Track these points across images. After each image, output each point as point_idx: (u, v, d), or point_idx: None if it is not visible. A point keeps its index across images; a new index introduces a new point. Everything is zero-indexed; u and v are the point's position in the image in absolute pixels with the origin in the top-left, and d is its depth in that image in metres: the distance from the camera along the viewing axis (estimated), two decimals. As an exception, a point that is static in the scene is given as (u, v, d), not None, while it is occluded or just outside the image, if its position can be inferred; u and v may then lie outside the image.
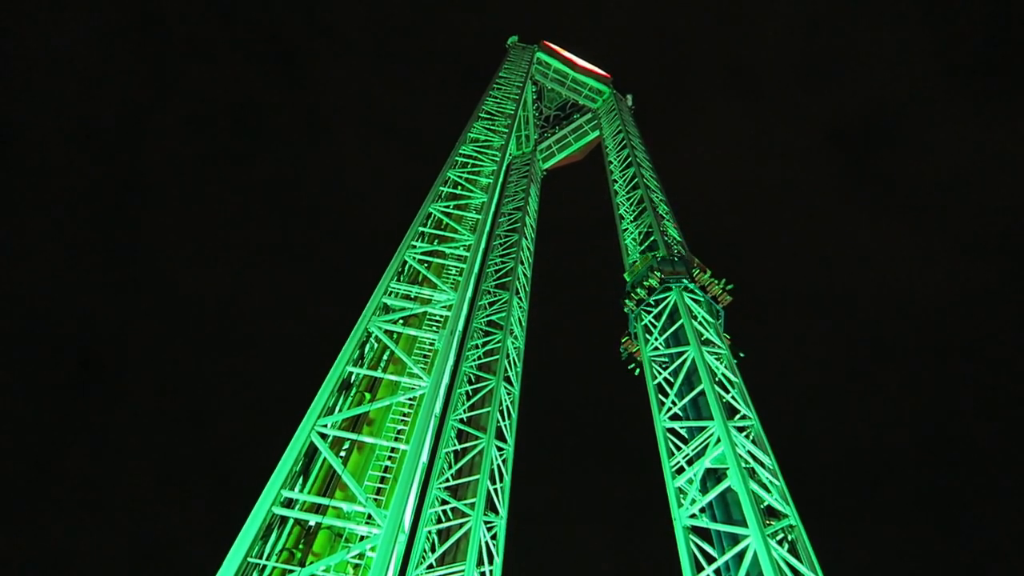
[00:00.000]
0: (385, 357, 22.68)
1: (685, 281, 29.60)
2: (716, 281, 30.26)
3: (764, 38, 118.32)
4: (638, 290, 30.41)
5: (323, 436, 17.18)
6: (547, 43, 61.27)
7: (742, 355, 27.71)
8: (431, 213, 28.15)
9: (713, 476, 22.25)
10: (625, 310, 30.93)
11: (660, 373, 27.47)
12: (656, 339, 28.22)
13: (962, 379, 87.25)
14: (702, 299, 29.32)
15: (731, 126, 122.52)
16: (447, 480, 29.37)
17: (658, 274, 30.01)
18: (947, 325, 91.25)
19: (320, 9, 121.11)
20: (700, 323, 27.41)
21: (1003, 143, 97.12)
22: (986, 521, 76.22)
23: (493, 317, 38.80)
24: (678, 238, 35.37)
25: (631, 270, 32.80)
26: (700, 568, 20.44)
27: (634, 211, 39.08)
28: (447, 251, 26.71)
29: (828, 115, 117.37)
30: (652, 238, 34.61)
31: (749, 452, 22.09)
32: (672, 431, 24.95)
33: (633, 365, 29.90)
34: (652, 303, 29.48)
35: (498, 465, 30.46)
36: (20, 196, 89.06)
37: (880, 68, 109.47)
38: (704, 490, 21.90)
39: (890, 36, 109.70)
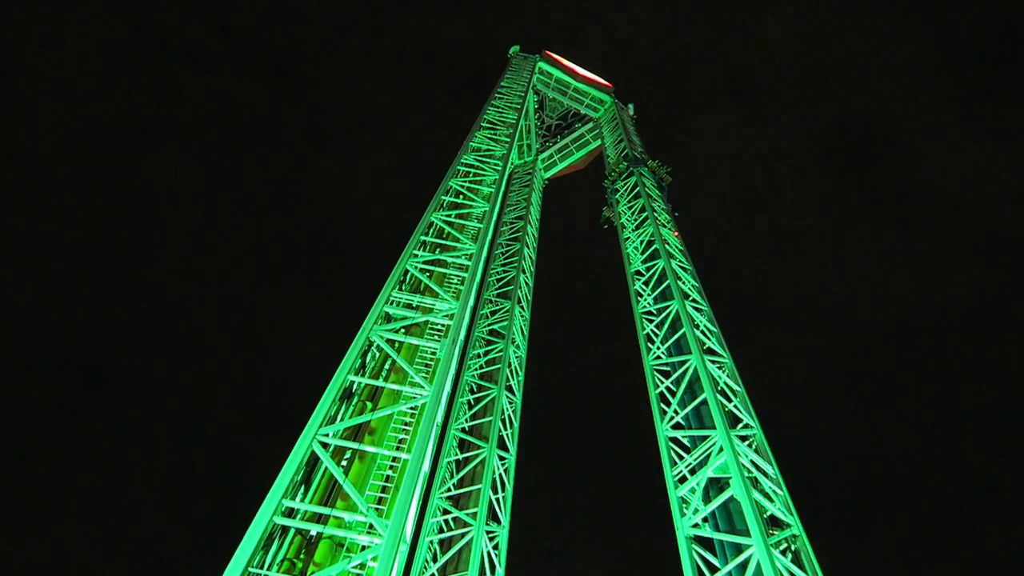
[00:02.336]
0: (387, 366, 22.64)
1: (643, 167, 44.06)
2: (663, 167, 44.80)
3: (762, 49, 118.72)
4: (611, 174, 45.61)
5: (324, 445, 17.14)
6: (549, 53, 61.48)
7: (676, 214, 39.78)
8: (433, 222, 28.16)
9: (716, 486, 22.14)
10: (607, 195, 44.64)
11: (662, 382, 27.46)
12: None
13: (962, 386, 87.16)
14: (652, 181, 42.87)
15: (729, 136, 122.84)
16: (449, 490, 29.26)
17: (625, 163, 45.28)
18: (945, 332, 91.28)
19: (318, 21, 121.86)
20: (654, 202, 39.44)
21: (998, 153, 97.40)
22: (991, 531, 75.93)
23: (495, 326, 38.76)
24: (680, 247, 35.41)
25: (608, 167, 48.04)
26: (703, 578, 20.33)
27: (635, 219, 39.14)
28: (449, 260, 26.71)
29: (825, 126, 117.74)
30: (654, 247, 34.69)
31: (752, 461, 21.99)
32: (674, 440, 24.86)
33: (606, 226, 43.60)
34: (624, 184, 43.59)
35: (500, 475, 30.37)
36: (20, 208, 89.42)
37: (877, 79, 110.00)
38: (707, 500, 21.78)
39: (887, 48, 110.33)
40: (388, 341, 21.35)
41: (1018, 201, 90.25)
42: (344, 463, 18.56)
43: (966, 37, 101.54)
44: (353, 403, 20.72)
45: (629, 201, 41.21)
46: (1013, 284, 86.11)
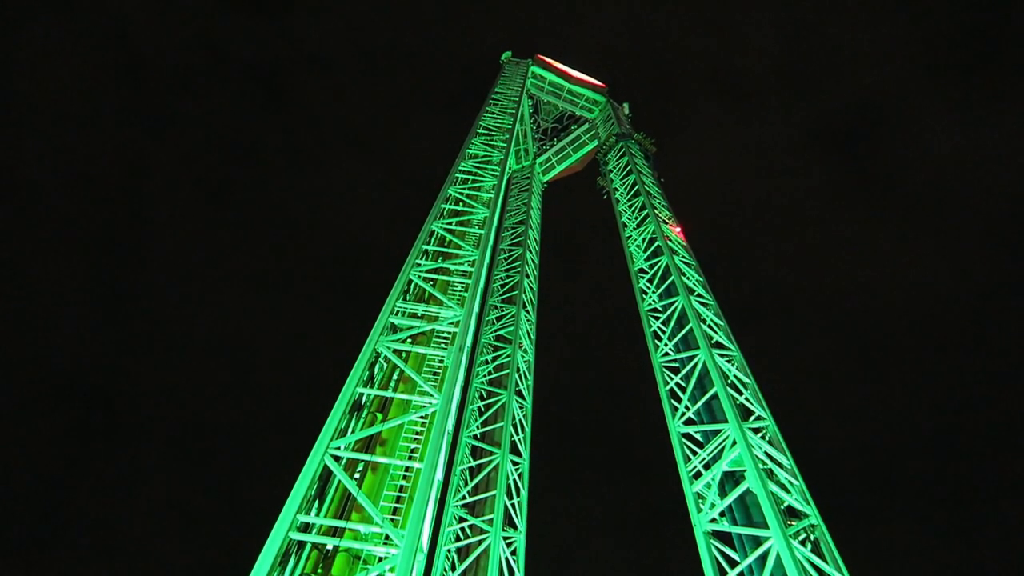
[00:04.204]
0: (395, 377, 22.62)
1: (630, 140, 49.06)
2: (646, 138, 50.20)
3: (750, 43, 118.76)
4: (603, 147, 51.35)
5: (337, 459, 17.11)
6: (541, 57, 61.53)
7: (662, 180, 44.24)
8: (434, 231, 28.15)
9: (731, 479, 22.05)
10: (600, 167, 49.92)
11: (672, 378, 27.39)
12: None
13: (969, 371, 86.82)
14: (639, 152, 47.91)
15: (723, 131, 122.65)
16: (464, 497, 29.21)
17: (614, 137, 50.72)
18: (949, 317, 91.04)
19: (307, 39, 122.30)
20: (641, 170, 43.95)
21: (990, 135, 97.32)
22: (1006, 514, 75.50)
23: (501, 331, 38.74)
24: (682, 242, 35.36)
25: (599, 141, 54.34)
26: (723, 572, 20.19)
27: (636, 218, 39.11)
28: (452, 268, 26.69)
29: (817, 116, 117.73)
30: (656, 244, 34.68)
31: (766, 453, 21.90)
32: (687, 436, 24.77)
33: (604, 195, 48.33)
34: (614, 156, 48.75)
35: (514, 480, 30.31)
36: (21, 241, 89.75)
37: (865, 67, 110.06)
38: (723, 494, 21.70)
39: (873, 35, 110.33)
40: (395, 351, 21.34)
41: (1014, 181, 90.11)
42: (357, 475, 18.54)
43: (949, 19, 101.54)
44: (363, 415, 20.70)
45: (619, 169, 46.25)
46: (1015, 266, 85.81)
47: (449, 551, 27.55)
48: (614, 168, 47.15)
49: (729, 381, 24.97)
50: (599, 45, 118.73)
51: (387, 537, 15.80)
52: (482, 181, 34.51)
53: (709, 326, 28.14)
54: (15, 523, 74.09)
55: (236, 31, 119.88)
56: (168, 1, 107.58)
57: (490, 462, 30.01)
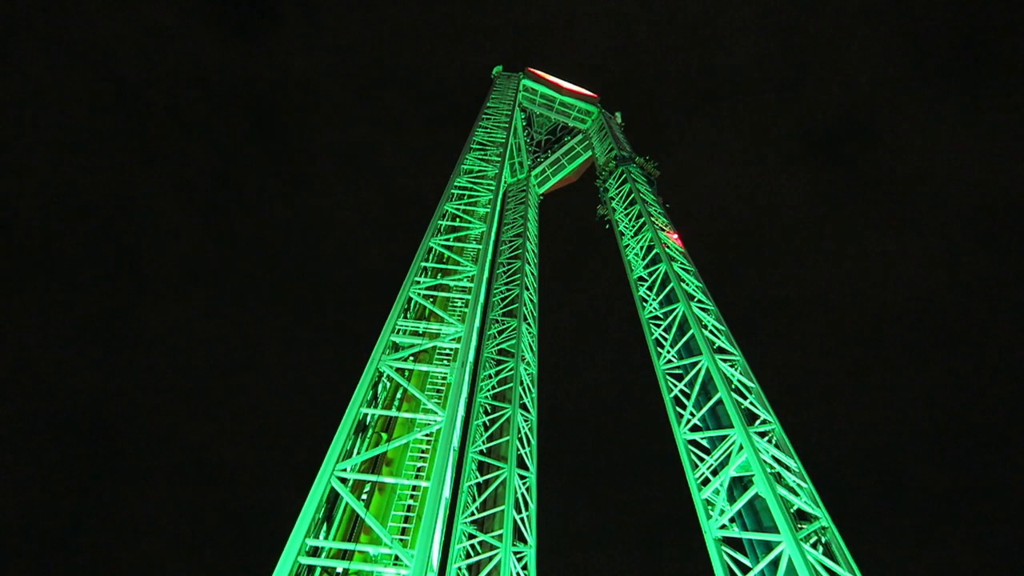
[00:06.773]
0: (398, 395, 22.61)
1: (632, 165, 45.91)
2: (649, 162, 46.75)
3: (738, 51, 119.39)
4: (603, 173, 47.39)
5: (343, 480, 17.07)
6: (531, 69, 61.87)
7: (668, 205, 42.17)
8: (432, 248, 28.20)
9: (739, 484, 21.96)
10: (600, 194, 46.45)
11: (675, 385, 27.34)
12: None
13: (967, 372, 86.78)
14: (642, 177, 45.16)
15: (712, 138, 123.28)
16: (472, 514, 29.10)
17: (614, 162, 47.15)
18: (946, 317, 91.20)
19: (294, 62, 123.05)
20: (645, 197, 41.18)
21: (979, 136, 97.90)
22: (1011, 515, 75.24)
23: (503, 345, 38.74)
24: (680, 249, 35.41)
25: (599, 167, 49.74)
26: (736, 579, 20.11)
27: (633, 226, 39.16)
28: (451, 284, 26.71)
29: (805, 122, 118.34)
30: (655, 251, 34.70)
31: (773, 457, 21.83)
32: (693, 443, 24.68)
33: (607, 225, 44.41)
34: (615, 182, 45.69)
35: (522, 494, 30.22)
36: (17, 276, 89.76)
37: (852, 72, 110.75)
38: (732, 499, 21.60)
39: (859, 40, 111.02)
40: (398, 370, 21.30)
41: (1004, 182, 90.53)
42: (364, 496, 18.49)
43: (936, 22, 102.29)
44: (368, 435, 20.67)
45: (622, 197, 43.73)
46: (1008, 265, 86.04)
47: (460, 568, 27.42)
48: (615, 195, 44.67)
49: (733, 386, 24.91)
50: (588, 58, 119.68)
51: (397, 558, 15.71)
52: (478, 196, 34.60)
53: (711, 331, 28.13)
54: (18, 561, 73.77)
55: (222, 56, 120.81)
56: (153, 28, 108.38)
57: (497, 477, 29.93)
